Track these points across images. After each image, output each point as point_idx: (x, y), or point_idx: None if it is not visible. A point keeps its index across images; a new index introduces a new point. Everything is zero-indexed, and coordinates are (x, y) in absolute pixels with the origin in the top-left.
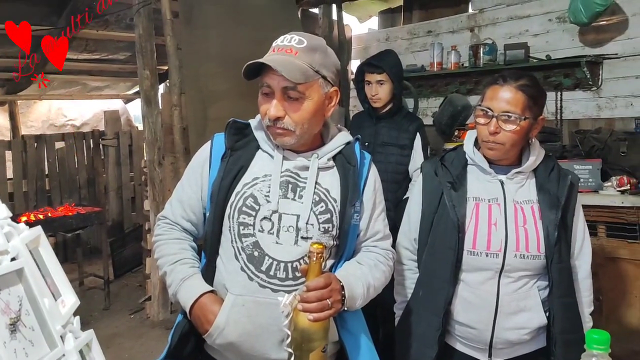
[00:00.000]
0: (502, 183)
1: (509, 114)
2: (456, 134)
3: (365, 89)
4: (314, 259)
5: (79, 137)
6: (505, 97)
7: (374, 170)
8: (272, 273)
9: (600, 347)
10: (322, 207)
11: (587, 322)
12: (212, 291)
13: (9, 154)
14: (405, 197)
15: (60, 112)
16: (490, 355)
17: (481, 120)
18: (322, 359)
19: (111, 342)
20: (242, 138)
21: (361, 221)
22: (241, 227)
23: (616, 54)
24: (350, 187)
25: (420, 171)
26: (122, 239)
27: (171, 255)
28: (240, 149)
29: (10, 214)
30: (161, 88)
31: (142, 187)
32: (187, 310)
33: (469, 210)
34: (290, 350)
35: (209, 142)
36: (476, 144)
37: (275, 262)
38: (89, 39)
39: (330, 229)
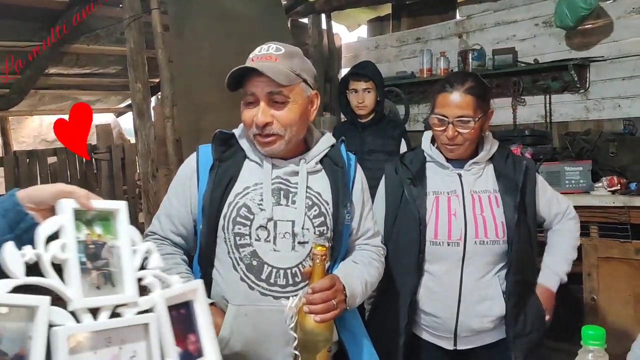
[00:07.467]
0: (460, 176)
1: (463, 118)
2: None
3: (349, 97)
4: (318, 261)
5: (71, 152)
6: (455, 102)
7: (360, 171)
8: (272, 281)
9: (596, 342)
10: (315, 210)
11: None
12: (212, 304)
13: (1, 171)
14: None
15: (52, 127)
16: (455, 344)
17: (438, 127)
18: (327, 359)
19: None
20: (229, 148)
21: (352, 221)
22: (237, 238)
23: (602, 56)
24: (341, 188)
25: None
26: None
27: (165, 271)
28: (227, 160)
29: (162, 265)
30: (152, 101)
31: (135, 199)
32: None
33: (429, 204)
34: (297, 352)
35: (194, 154)
36: (433, 141)
37: (274, 270)
38: (79, 53)
39: (325, 231)
